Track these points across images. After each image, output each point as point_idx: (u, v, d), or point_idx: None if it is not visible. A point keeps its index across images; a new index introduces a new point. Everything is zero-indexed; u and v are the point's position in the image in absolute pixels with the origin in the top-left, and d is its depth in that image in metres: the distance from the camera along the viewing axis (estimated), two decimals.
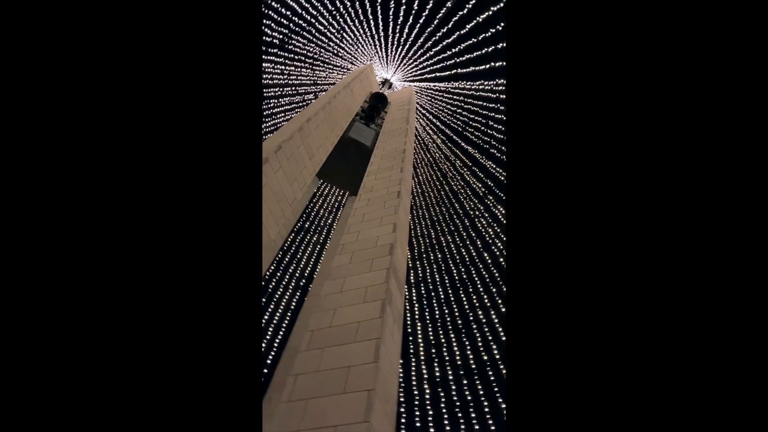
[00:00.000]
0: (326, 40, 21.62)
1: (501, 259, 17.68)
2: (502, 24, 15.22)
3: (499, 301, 17.11)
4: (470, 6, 16.08)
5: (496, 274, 17.63)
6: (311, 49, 21.85)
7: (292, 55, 21.68)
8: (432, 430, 16.20)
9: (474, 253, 18.59)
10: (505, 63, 16.49)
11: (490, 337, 16.78)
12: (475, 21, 16.30)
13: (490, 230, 18.58)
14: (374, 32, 20.79)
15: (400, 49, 21.36)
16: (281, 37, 21.40)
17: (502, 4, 14.69)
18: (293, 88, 22.39)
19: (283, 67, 21.91)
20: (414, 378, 17.20)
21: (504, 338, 16.23)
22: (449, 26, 17.73)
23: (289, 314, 18.24)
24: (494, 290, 17.41)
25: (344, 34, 21.31)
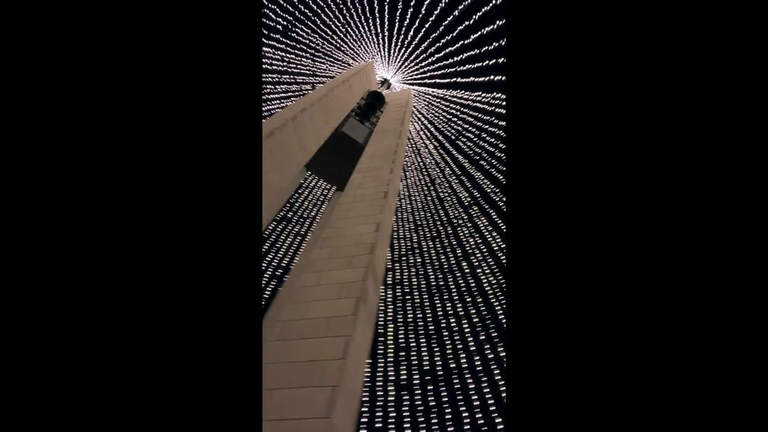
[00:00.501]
0: (330, 33, 21.53)
1: (479, 270, 17.89)
2: (505, 40, 15.41)
3: (472, 310, 17.30)
4: (476, 18, 16.24)
5: (472, 283, 17.84)
6: (314, 40, 21.73)
7: (294, 44, 21.53)
8: None
9: (453, 261, 18.75)
10: (501, 77, 16.69)
11: (459, 345, 16.95)
12: (480, 32, 16.46)
13: (471, 240, 18.78)
14: (379, 30, 20.79)
15: (403, 51, 21.41)
16: (285, 23, 21.22)
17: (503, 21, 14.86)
18: (291, 76, 22.22)
19: (283, 54, 21.72)
20: (380, 378, 17.25)
21: (473, 347, 16.42)
22: (454, 34, 17.87)
23: (262, 303, 18.08)
24: (468, 299, 17.59)
25: (349, 29, 21.26)
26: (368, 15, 20.17)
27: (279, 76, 21.94)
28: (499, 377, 16.01)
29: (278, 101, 21.94)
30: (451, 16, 17.25)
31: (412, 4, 18.05)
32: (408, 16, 19.04)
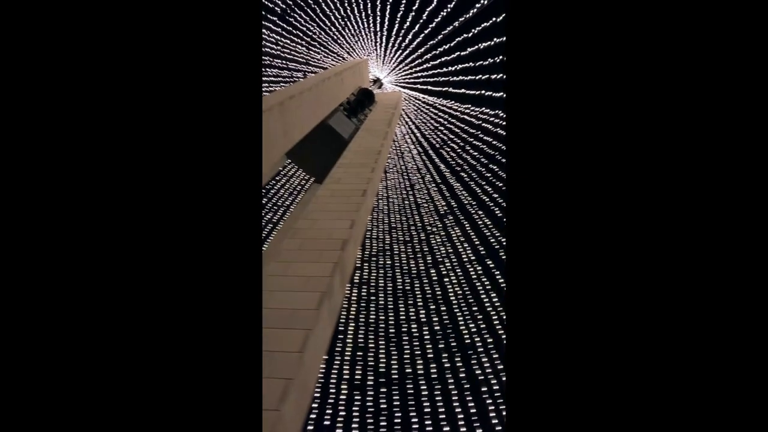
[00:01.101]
0: (329, 24, 21.31)
1: (446, 279, 18.05)
2: (502, 57, 15.65)
3: (435, 318, 17.45)
4: (475, 32, 16.42)
5: (438, 292, 17.99)
6: (312, 28, 21.46)
7: (291, 29, 21.19)
8: (339, 431, 16.19)
9: (422, 267, 18.86)
10: (492, 93, 16.93)
11: (417, 350, 17.05)
12: (476, 46, 16.67)
13: (442, 248, 18.95)
14: (378, 29, 20.74)
15: (399, 53, 21.42)
16: (284, 6, 20.86)
17: (504, 38, 15.11)
18: (284, 61, 21.86)
19: (278, 38, 21.35)
20: (334, 376, 17.15)
21: (430, 354, 16.54)
22: (451, 44, 18.02)
23: None
24: (432, 306, 17.73)
25: (348, 23, 21.10)
26: (369, 12, 20.10)
27: (271, 59, 21.57)
28: (453, 386, 16.20)
29: (267, 84, 21.55)
30: (451, 27, 17.40)
31: (414, 8, 18.10)
32: (408, 20, 19.08)
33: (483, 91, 17.49)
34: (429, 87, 20.81)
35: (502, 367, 15.12)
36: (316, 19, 21.13)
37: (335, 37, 21.78)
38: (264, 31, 20.92)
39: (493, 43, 15.72)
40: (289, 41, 21.56)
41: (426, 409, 16.16)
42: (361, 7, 20.03)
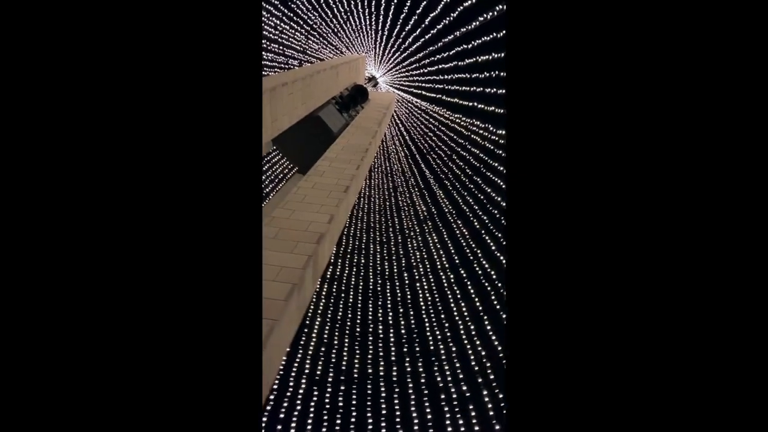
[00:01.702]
0: (331, 15, 21.11)
1: (418, 284, 18.11)
2: (498, 72, 15.82)
3: (402, 322, 17.48)
4: (474, 44, 16.56)
5: (408, 294, 18.03)
6: (312, 17, 21.21)
7: (291, 15, 20.89)
8: (293, 425, 16.03)
9: (396, 270, 18.88)
10: (484, 106, 17.10)
11: (381, 352, 17.05)
12: (474, 59, 16.80)
13: (418, 253, 19.02)
14: (380, 28, 20.68)
15: (397, 54, 21.42)
16: None
17: (503, 54, 15.30)
18: (281, 47, 21.54)
19: (277, 22, 21.01)
20: (294, 369, 16.96)
21: (393, 356, 16.55)
22: (450, 53, 18.12)
23: None
24: (401, 310, 17.76)
25: (351, 17, 20.97)
26: (373, 9, 20.02)
27: (268, 43, 21.20)
28: (412, 390, 16.26)
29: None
30: (452, 36, 17.49)
31: (417, 11, 18.11)
32: (411, 23, 19.10)
33: (475, 103, 17.64)
34: (423, 92, 20.89)
35: (462, 375, 15.27)
36: (318, 9, 20.92)
37: (335, 30, 21.62)
38: (265, 13, 20.58)
39: (490, 57, 15.89)
40: (288, 27, 21.27)
41: (383, 411, 16.17)
42: (366, 3, 19.94)
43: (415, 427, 15.12)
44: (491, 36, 15.44)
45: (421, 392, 15.75)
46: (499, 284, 15.67)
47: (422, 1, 17.24)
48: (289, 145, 13.00)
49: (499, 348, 14.46)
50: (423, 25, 18.46)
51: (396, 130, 22.16)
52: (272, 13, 20.74)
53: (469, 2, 15.26)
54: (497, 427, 12.01)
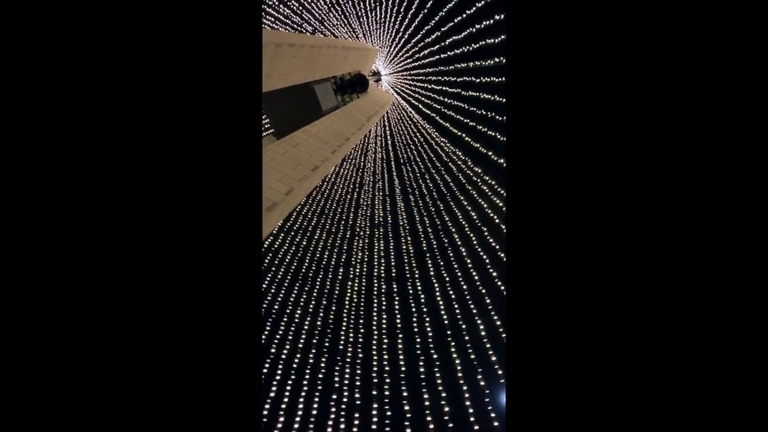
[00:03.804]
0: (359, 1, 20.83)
1: (349, 283, 18.07)
2: (494, 114, 16.27)
3: (321, 314, 17.35)
4: (482, 81, 16.93)
5: (337, 289, 17.94)
6: None
7: None
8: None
9: (333, 263, 18.75)
10: (471, 141, 17.48)
11: (290, 338, 16.80)
12: (478, 94, 17.17)
13: (360, 253, 19.01)
14: (401, 29, 20.65)
15: (409, 61, 21.48)
16: None
17: (503, 100, 15.77)
18: (300, 8, 20.96)
19: None
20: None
21: (302, 345, 16.35)
22: (458, 80, 18.41)
23: None
24: (324, 302, 17.65)
25: (379, 8, 20.79)
26: (402, 10, 19.96)
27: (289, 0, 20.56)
28: (304, 386, 16.14)
29: (272, 20, 20.48)
30: (465, 64, 17.79)
31: (442, 29, 18.27)
32: (432, 37, 19.22)
33: (464, 135, 18.02)
34: (421, 106, 21.05)
35: (359, 376, 15.35)
36: None
37: (359, 14, 21.34)
38: None
39: (493, 98, 16.32)
40: None
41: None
42: (398, 1, 19.84)
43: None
44: (500, 79, 15.87)
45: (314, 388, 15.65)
46: (424, 309, 15.96)
47: (449, 22, 17.43)
48: (272, 106, 12.59)
49: (402, 363, 14.67)
50: (442, 44, 18.66)
51: (381, 130, 22.15)
52: None
53: (492, 40, 15.61)
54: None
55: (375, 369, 14.42)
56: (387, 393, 13.69)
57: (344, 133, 11.69)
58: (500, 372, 12.41)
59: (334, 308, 17.66)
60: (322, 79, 13.62)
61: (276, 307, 17.33)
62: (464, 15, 16.41)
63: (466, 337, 14.02)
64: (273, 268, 18.25)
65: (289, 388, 14.73)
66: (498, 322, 13.37)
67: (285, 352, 15.98)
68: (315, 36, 14.08)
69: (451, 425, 12.09)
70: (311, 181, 8.67)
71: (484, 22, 15.67)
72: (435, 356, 14.24)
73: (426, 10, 18.41)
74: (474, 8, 15.71)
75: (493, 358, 12.77)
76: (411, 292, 16.83)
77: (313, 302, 17.50)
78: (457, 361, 13.45)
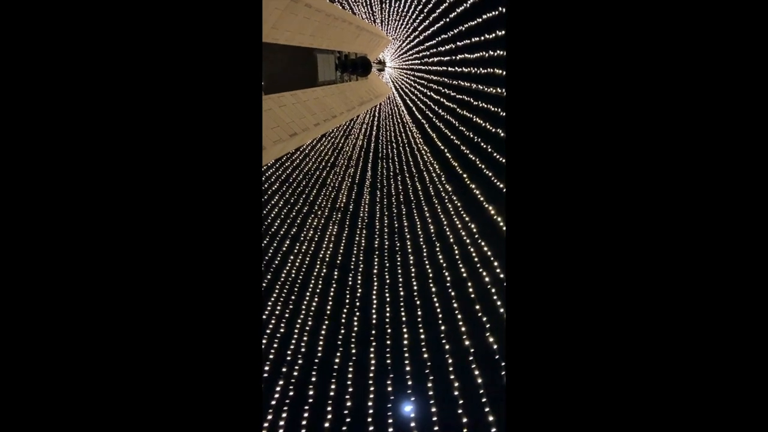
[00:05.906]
0: None
1: (299, 261, 17.78)
2: (481, 141, 16.54)
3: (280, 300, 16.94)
4: (479, 106, 17.18)
5: (295, 277, 17.61)
6: None
7: None
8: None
9: (288, 236, 18.38)
10: (451, 158, 17.70)
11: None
12: (472, 117, 17.40)
13: (312, 232, 18.76)
14: (419, 30, 20.55)
15: (417, 61, 21.44)
16: None
17: (498, 131, 16.09)
18: None
19: None
20: None
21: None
22: (458, 96, 18.57)
23: None
24: (279, 288, 17.24)
25: (403, 2, 20.57)
26: (425, 12, 19.85)
27: None
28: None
29: None
30: (468, 84, 17.98)
31: (458, 42, 18.34)
32: (446, 47, 19.27)
33: (446, 151, 18.20)
34: (413, 108, 21.06)
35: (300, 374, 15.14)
36: None
37: (384, 3, 21.03)
38: None
39: (484, 125, 16.59)
40: None
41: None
42: (425, 3, 19.67)
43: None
44: (496, 108, 16.16)
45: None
46: (357, 303, 16.00)
47: (466, 39, 17.53)
48: (268, 60, 12.13)
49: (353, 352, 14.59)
50: (452, 58, 18.74)
51: (369, 119, 21.97)
52: None
53: (500, 72, 15.85)
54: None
55: (291, 348, 14.26)
56: (295, 373, 13.59)
57: (333, 110, 11.48)
58: (410, 383, 12.66)
59: (268, 277, 17.32)
60: (326, 49, 13.29)
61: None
62: (482, 38, 16.56)
63: (387, 342, 14.19)
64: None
65: None
66: (423, 336, 13.62)
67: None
68: (334, 5, 13.69)
69: (348, 420, 12.21)
70: (284, 147, 8.43)
71: (498, 51, 15.89)
72: (353, 351, 14.30)
73: (448, 20, 18.42)
74: (493, 35, 15.89)
75: (408, 369, 13.01)
76: (350, 283, 16.81)
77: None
78: (372, 362, 13.59)
